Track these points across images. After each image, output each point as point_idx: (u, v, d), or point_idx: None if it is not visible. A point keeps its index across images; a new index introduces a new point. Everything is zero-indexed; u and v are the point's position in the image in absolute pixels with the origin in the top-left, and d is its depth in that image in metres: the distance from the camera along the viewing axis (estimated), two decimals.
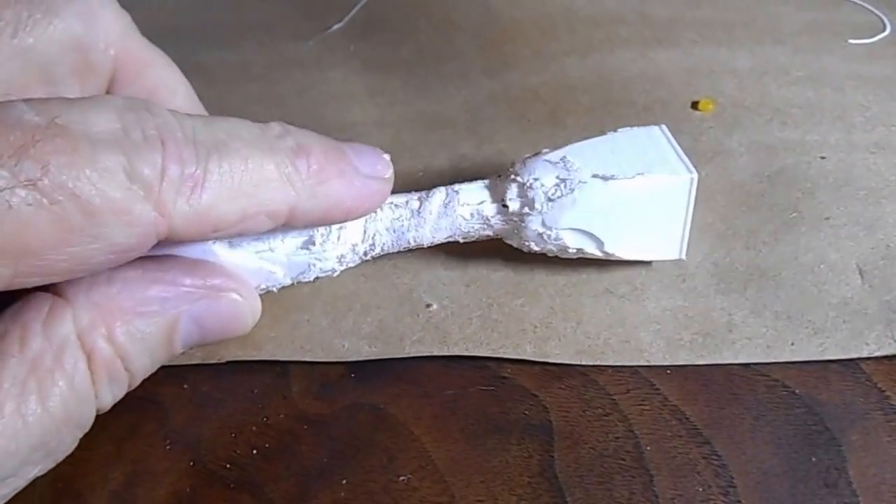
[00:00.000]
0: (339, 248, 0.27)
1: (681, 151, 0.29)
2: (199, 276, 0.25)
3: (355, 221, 0.27)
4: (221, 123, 0.23)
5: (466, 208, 0.29)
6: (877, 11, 0.39)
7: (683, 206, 0.29)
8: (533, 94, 0.37)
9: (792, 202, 0.32)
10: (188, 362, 0.29)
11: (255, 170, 0.23)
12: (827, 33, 0.39)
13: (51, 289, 0.22)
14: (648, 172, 0.28)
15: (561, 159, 0.28)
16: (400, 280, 0.31)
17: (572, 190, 0.28)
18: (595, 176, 0.28)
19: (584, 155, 0.28)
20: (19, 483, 0.22)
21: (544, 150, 0.29)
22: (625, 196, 0.28)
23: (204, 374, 0.29)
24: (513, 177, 0.28)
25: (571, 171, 0.28)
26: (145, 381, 0.29)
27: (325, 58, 0.41)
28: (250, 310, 0.26)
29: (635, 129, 0.30)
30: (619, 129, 0.30)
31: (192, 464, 0.27)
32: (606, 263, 0.31)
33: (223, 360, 0.29)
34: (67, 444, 0.23)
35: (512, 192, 0.28)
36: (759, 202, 0.32)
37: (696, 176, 0.28)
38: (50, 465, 0.23)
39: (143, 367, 0.24)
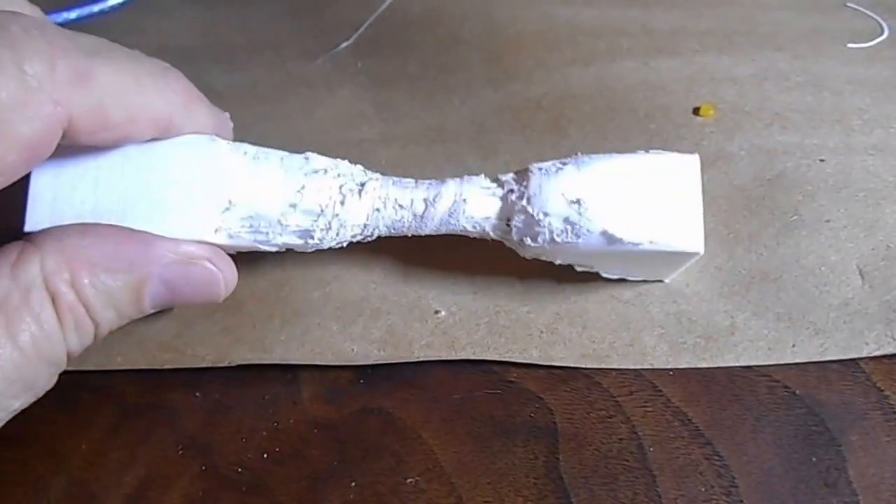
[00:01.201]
0: (337, 239, 0.28)
1: (700, 206, 0.27)
2: (172, 242, 0.26)
3: (356, 218, 0.28)
4: (93, 37, 0.25)
5: (470, 220, 0.28)
6: (875, 16, 0.39)
7: (682, 265, 0.29)
8: (536, 104, 0.38)
9: (792, 205, 0.32)
10: (198, 366, 0.30)
11: (135, 75, 0.24)
12: (826, 38, 0.39)
13: (23, 237, 0.24)
14: (659, 241, 0.27)
15: (577, 200, 0.27)
16: (410, 287, 0.32)
17: (578, 237, 0.27)
18: (604, 233, 0.27)
19: (604, 197, 0.27)
20: (1, 415, 0.23)
21: (566, 164, 0.28)
22: (628, 254, 0.28)
23: (215, 382, 0.30)
24: (524, 203, 0.27)
25: (583, 216, 0.27)
26: (157, 388, 0.30)
27: (333, 76, 0.41)
28: (223, 279, 0.27)
29: (670, 156, 0.28)
30: (652, 150, 0.28)
31: (203, 468, 0.28)
32: None
33: (233, 364, 0.30)
34: (45, 379, 0.24)
35: (518, 219, 0.28)
36: (759, 205, 0.32)
37: (702, 251, 0.27)
38: (31, 398, 0.24)
39: (109, 319, 0.25)
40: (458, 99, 0.39)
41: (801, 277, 0.30)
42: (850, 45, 0.38)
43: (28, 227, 0.25)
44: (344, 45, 0.43)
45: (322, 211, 0.27)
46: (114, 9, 0.47)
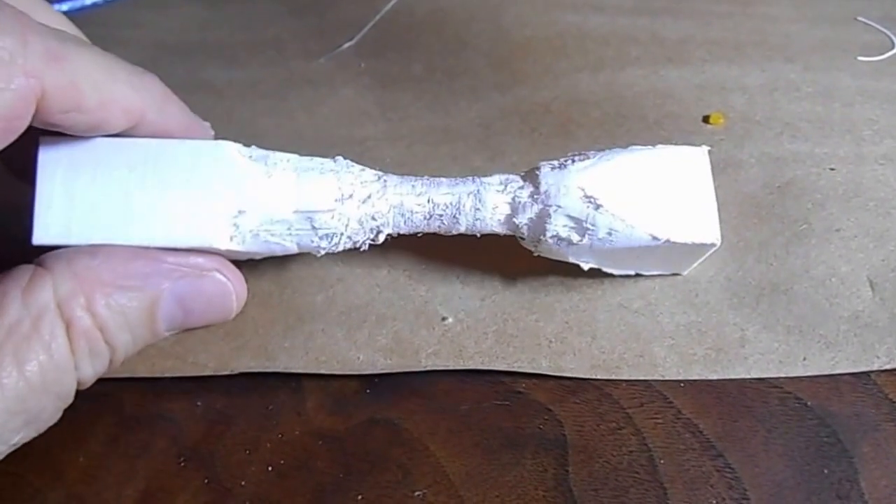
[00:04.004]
0: (352, 242, 0.28)
1: (713, 197, 0.28)
2: (181, 255, 0.25)
3: (370, 220, 0.27)
4: (69, 33, 0.25)
5: (483, 219, 0.28)
6: (885, 30, 0.39)
7: (698, 258, 0.30)
8: (544, 108, 0.37)
9: (802, 214, 0.32)
10: (199, 374, 0.29)
11: (109, 67, 0.24)
12: (837, 51, 0.39)
13: (34, 260, 0.23)
14: (675, 235, 0.27)
15: (592, 196, 0.27)
16: (416, 292, 0.31)
17: (593, 234, 0.27)
18: (621, 229, 0.27)
19: (618, 193, 0.27)
20: (1, 448, 0.23)
21: (576, 160, 0.28)
22: (643, 250, 0.28)
23: (217, 392, 0.29)
24: (537, 200, 0.27)
25: (599, 212, 0.27)
26: (157, 397, 0.29)
27: (335, 75, 0.41)
28: (235, 291, 0.27)
29: (679, 150, 0.28)
30: (659, 145, 0.28)
31: (206, 481, 0.27)
32: (621, 281, 0.31)
33: (236, 372, 0.29)
34: (49, 413, 0.23)
35: (532, 217, 0.28)
36: (769, 214, 0.32)
37: (719, 242, 0.28)
38: (32, 433, 0.23)
39: (124, 342, 0.24)
40: (464, 102, 0.38)
41: (812, 289, 0.30)
42: (860, 59, 0.38)
43: (36, 240, 0.24)
44: (347, 45, 0.42)
45: (335, 214, 0.27)
46: (108, 2, 0.46)
